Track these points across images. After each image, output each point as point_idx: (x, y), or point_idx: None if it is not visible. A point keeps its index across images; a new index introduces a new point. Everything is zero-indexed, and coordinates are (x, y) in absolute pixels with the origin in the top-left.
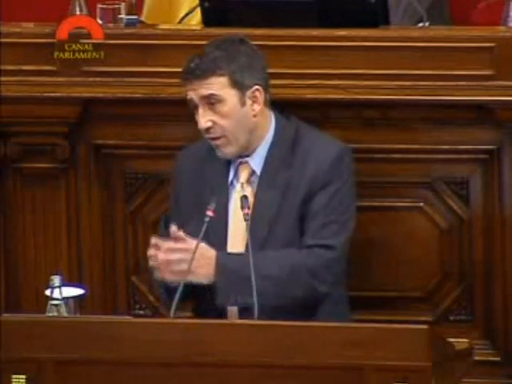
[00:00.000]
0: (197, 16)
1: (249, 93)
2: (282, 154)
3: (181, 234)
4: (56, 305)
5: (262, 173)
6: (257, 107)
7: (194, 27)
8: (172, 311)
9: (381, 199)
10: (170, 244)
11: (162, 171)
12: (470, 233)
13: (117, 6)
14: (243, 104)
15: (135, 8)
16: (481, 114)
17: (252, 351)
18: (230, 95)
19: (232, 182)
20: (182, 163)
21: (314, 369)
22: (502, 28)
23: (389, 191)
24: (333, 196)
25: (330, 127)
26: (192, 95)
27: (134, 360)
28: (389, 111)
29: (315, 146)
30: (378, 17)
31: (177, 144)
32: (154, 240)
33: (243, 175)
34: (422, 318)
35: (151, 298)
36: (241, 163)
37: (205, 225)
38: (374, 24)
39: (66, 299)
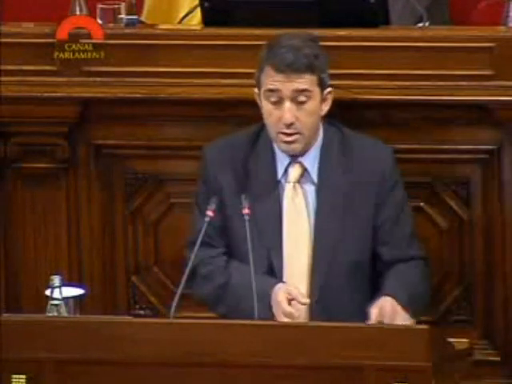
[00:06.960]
0: (197, 16)
1: (325, 92)
2: (335, 156)
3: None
4: (56, 305)
5: (319, 179)
6: (325, 107)
7: (194, 27)
8: (172, 311)
9: None
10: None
11: (162, 171)
12: (470, 233)
13: (117, 6)
14: (321, 103)
15: (135, 8)
16: (481, 113)
17: (252, 351)
18: (316, 93)
19: (280, 181)
20: (214, 157)
21: (314, 369)
22: (502, 28)
23: None
24: (402, 197)
25: None
26: (280, 87)
27: (134, 360)
28: (389, 111)
29: (368, 149)
30: (378, 17)
31: (177, 144)
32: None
33: (294, 174)
34: (422, 318)
35: (151, 298)
36: (292, 162)
37: (205, 224)
38: (374, 24)
39: (66, 299)
